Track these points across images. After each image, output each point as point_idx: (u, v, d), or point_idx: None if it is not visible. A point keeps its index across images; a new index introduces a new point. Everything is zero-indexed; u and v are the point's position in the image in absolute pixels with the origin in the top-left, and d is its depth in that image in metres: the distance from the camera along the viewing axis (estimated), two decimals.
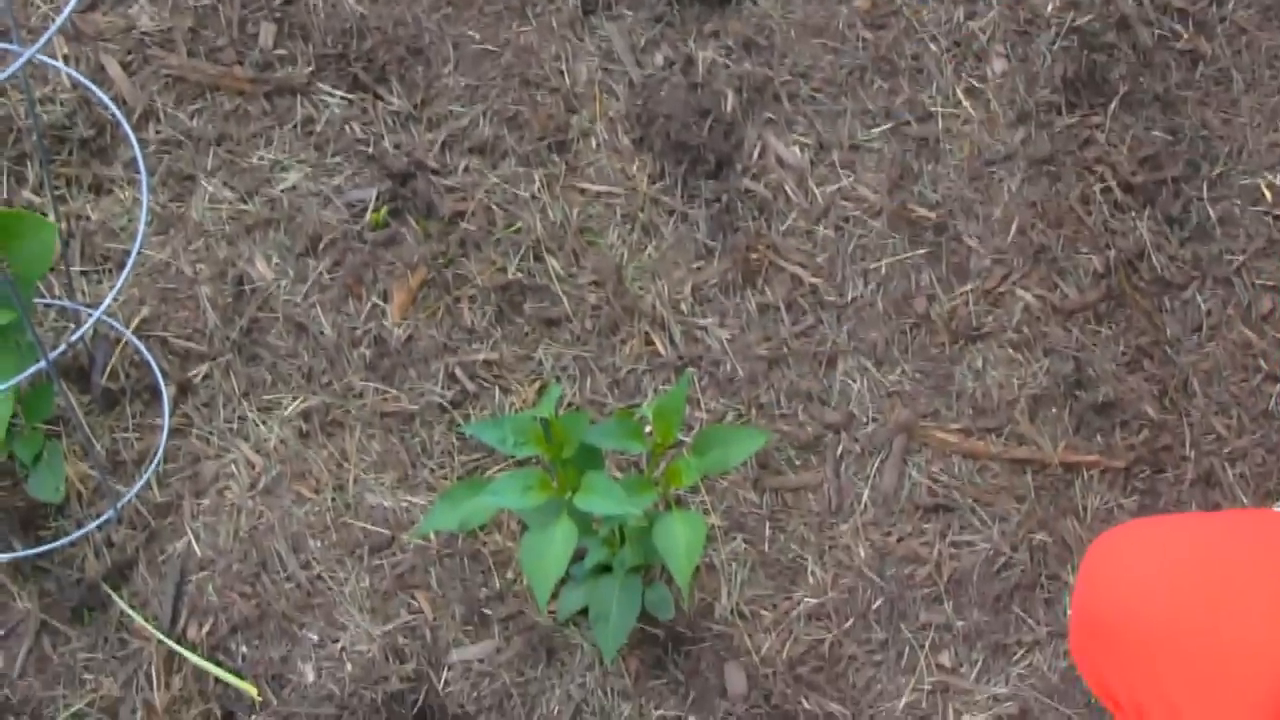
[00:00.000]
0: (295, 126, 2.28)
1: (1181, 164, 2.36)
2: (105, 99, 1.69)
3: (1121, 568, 1.39)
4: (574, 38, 2.40)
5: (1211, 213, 2.33)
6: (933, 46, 2.43)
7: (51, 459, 1.95)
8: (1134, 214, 2.31)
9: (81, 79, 1.77)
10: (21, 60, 1.42)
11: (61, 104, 2.24)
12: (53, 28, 1.40)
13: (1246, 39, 2.48)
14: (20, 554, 1.92)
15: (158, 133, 2.26)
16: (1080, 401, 2.15)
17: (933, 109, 2.37)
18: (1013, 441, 2.13)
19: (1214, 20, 2.50)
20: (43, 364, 1.59)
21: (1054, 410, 2.16)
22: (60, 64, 2.21)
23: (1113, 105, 2.40)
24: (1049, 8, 2.48)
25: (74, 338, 1.75)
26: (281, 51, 2.33)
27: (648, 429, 1.85)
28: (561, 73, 2.36)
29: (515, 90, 2.33)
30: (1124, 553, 1.41)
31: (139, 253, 2.07)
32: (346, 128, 2.29)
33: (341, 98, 2.31)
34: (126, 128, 1.70)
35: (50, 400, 1.92)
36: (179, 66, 2.29)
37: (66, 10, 1.42)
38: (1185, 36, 2.47)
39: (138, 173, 2.15)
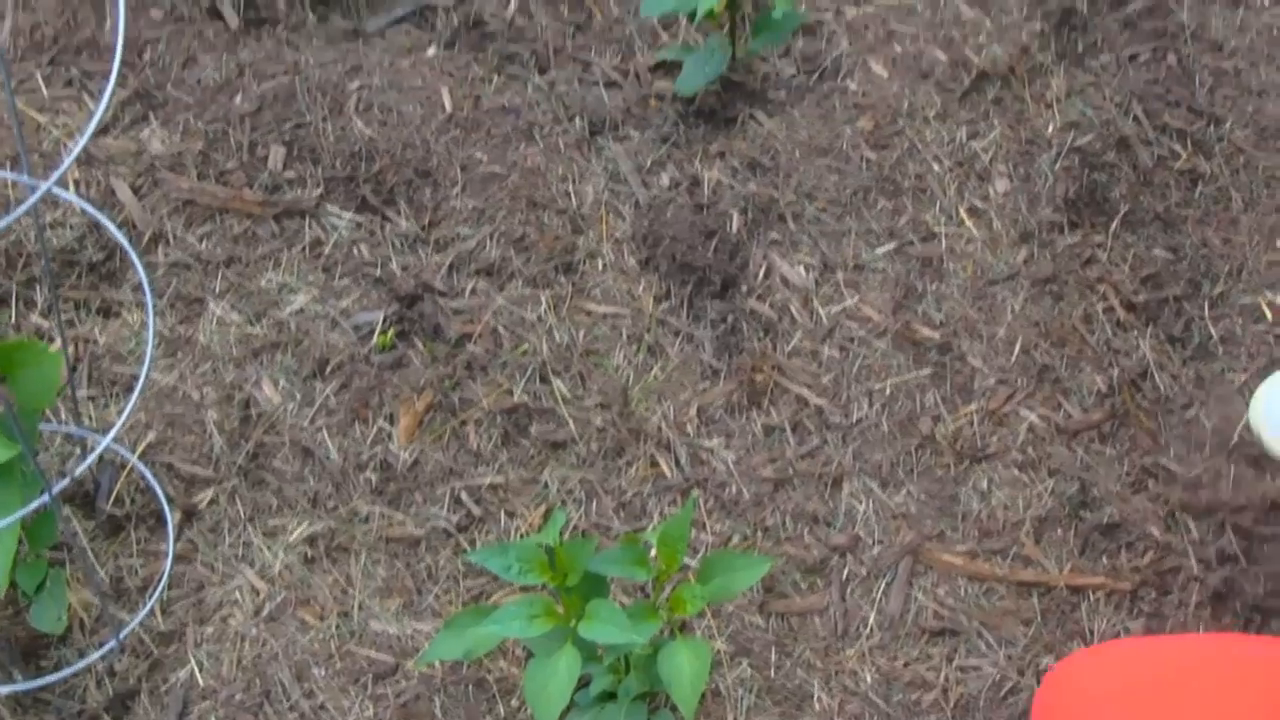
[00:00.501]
0: (304, 248, 2.31)
1: (1183, 283, 2.37)
2: (113, 227, 1.71)
3: (1078, 694, 1.37)
4: (581, 159, 2.43)
5: (1213, 331, 2.33)
6: (936, 166, 2.45)
7: (54, 588, 1.95)
8: (1136, 333, 2.32)
9: (90, 209, 1.79)
10: (35, 197, 1.43)
11: (71, 228, 2.26)
12: (64, 164, 1.42)
13: (1244, 159, 2.51)
14: (20, 686, 1.91)
15: (167, 255, 2.28)
16: (1085, 522, 2.15)
17: (936, 229, 2.39)
18: (1018, 564, 2.12)
19: (1212, 140, 2.52)
20: (45, 498, 1.60)
21: (1059, 531, 2.15)
22: (70, 195, 2.23)
23: (1114, 224, 2.41)
24: (1050, 128, 2.50)
25: (79, 470, 1.75)
26: (291, 174, 2.36)
27: (653, 553, 1.85)
28: (568, 194, 2.39)
29: (522, 212, 2.36)
30: (1080, 679, 1.39)
31: (146, 378, 2.08)
32: (355, 249, 2.31)
33: (350, 220, 2.33)
34: (133, 256, 1.72)
35: (54, 528, 1.92)
36: (189, 190, 2.32)
37: (77, 148, 1.44)
38: (1184, 156, 2.50)
39: (144, 300, 2.17)
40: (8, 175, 1.87)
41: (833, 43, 2.60)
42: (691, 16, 2.46)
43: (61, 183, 2.27)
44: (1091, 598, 2.11)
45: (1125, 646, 1.90)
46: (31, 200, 1.45)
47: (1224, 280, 2.39)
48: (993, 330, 2.30)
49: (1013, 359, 2.28)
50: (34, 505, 1.63)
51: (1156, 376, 2.28)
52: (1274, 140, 2.54)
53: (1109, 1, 2.72)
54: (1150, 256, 2.39)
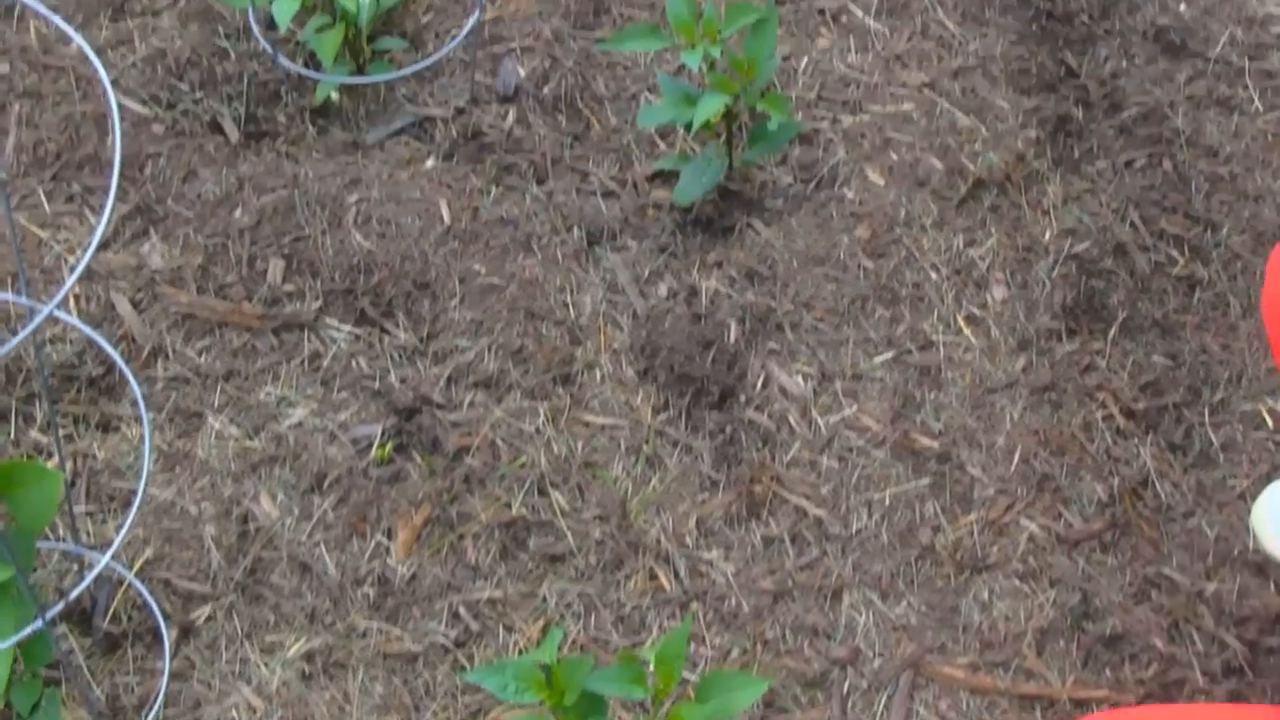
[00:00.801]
0: (302, 362, 2.32)
1: (1182, 390, 2.38)
2: (109, 347, 1.73)
3: None
4: (579, 270, 2.45)
5: (1214, 439, 2.34)
6: (933, 275, 2.47)
7: (49, 708, 1.95)
8: (1136, 440, 2.33)
9: (87, 330, 1.81)
10: (36, 321, 1.45)
11: (71, 342, 2.28)
12: (63, 290, 1.44)
13: (1242, 264, 2.53)
14: None
15: (166, 370, 2.29)
16: (1088, 634, 2.15)
17: (934, 337, 2.41)
18: (1021, 677, 2.12)
19: (1209, 246, 2.55)
20: (39, 624, 1.60)
21: (1062, 643, 2.15)
22: (70, 317, 2.25)
23: (1112, 331, 2.43)
24: (1047, 235, 2.53)
25: (74, 593, 1.76)
26: (290, 287, 2.38)
27: (650, 670, 1.85)
28: (566, 305, 2.41)
29: (520, 323, 2.38)
30: None
31: (143, 495, 2.09)
32: (353, 362, 2.33)
33: (349, 332, 2.35)
34: (129, 374, 1.74)
35: (49, 647, 1.92)
36: (188, 303, 2.34)
37: (76, 272, 1.46)
38: (1182, 262, 2.52)
39: (144, 414, 2.18)
40: (9, 298, 1.89)
41: (830, 151, 2.63)
42: (688, 127, 2.50)
43: (62, 300, 2.29)
44: (1095, 711, 2.10)
45: (1135, 713, 1.89)
46: (33, 325, 1.46)
47: (1224, 387, 2.40)
48: (992, 439, 2.31)
49: (1012, 468, 2.29)
50: (28, 631, 1.64)
51: (1158, 485, 2.28)
52: (1271, 245, 2.56)
53: (1104, 108, 2.75)
54: (1149, 363, 2.40)
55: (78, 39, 1.32)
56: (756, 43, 2.40)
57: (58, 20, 1.36)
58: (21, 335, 1.44)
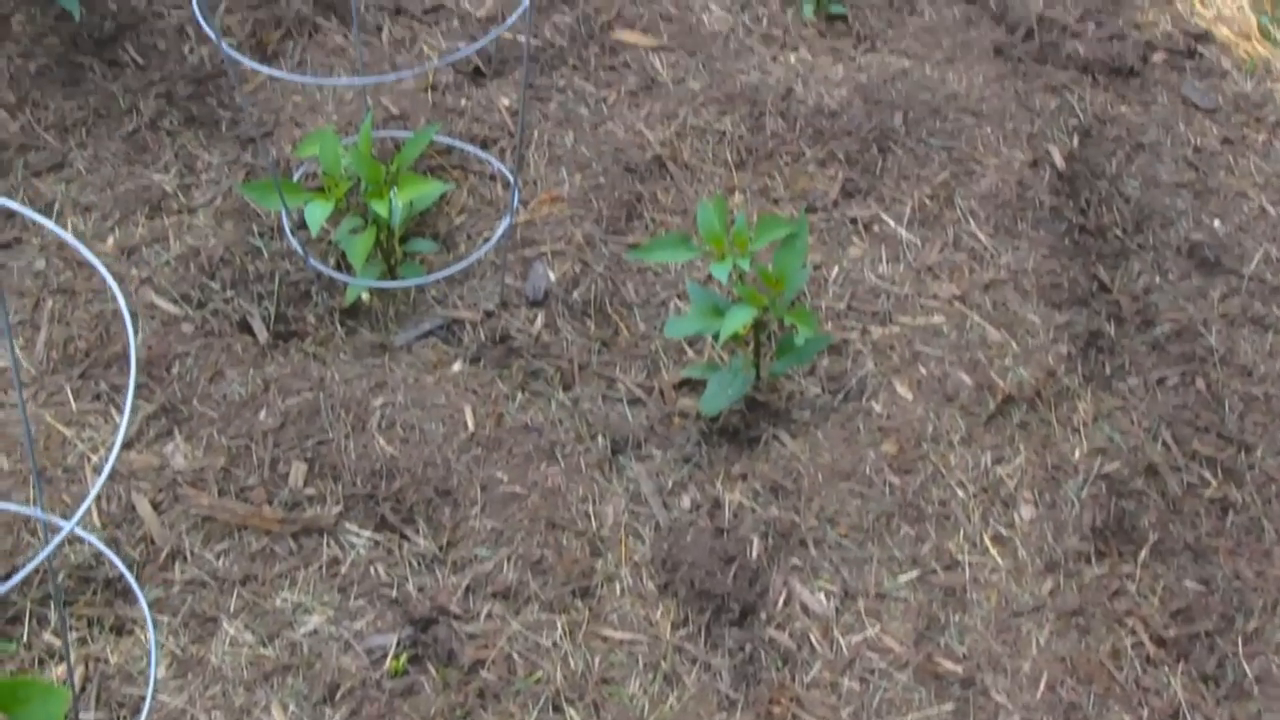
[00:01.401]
0: (320, 567, 2.35)
1: (1215, 617, 2.37)
2: (119, 563, 1.76)
3: None
4: (602, 479, 2.48)
5: (1248, 670, 2.33)
6: (960, 493, 2.49)
7: None
8: (1167, 670, 2.31)
9: (100, 545, 1.84)
10: (53, 544, 1.48)
11: (88, 544, 2.32)
12: (81, 508, 1.47)
13: (1276, 488, 2.54)
14: None
15: (183, 573, 2.32)
16: None
17: (960, 557, 2.42)
18: None
19: (1243, 468, 2.56)
20: None
21: None
22: (87, 534, 2.29)
23: (1143, 554, 2.43)
24: (1077, 454, 2.55)
25: None
26: (311, 491, 2.42)
27: None
28: (588, 515, 2.43)
29: (541, 533, 2.40)
30: None
31: (151, 704, 2.10)
32: (371, 569, 2.35)
33: (368, 538, 2.38)
34: (138, 593, 1.76)
35: None
36: (209, 506, 2.38)
37: (93, 492, 1.50)
38: (1214, 484, 2.53)
39: (158, 617, 2.21)
40: (28, 512, 1.93)
41: (858, 363, 2.66)
42: (716, 336, 2.54)
43: (80, 501, 2.33)
44: None
45: None
46: (49, 548, 1.50)
47: (1258, 615, 2.39)
48: (1017, 664, 2.31)
49: (1038, 695, 2.28)
50: None
51: (1189, 717, 2.27)
52: None
53: (1137, 324, 2.79)
54: (1181, 589, 2.40)
55: (87, 255, 1.37)
56: (786, 257, 2.46)
57: (69, 238, 1.41)
58: (39, 557, 1.47)
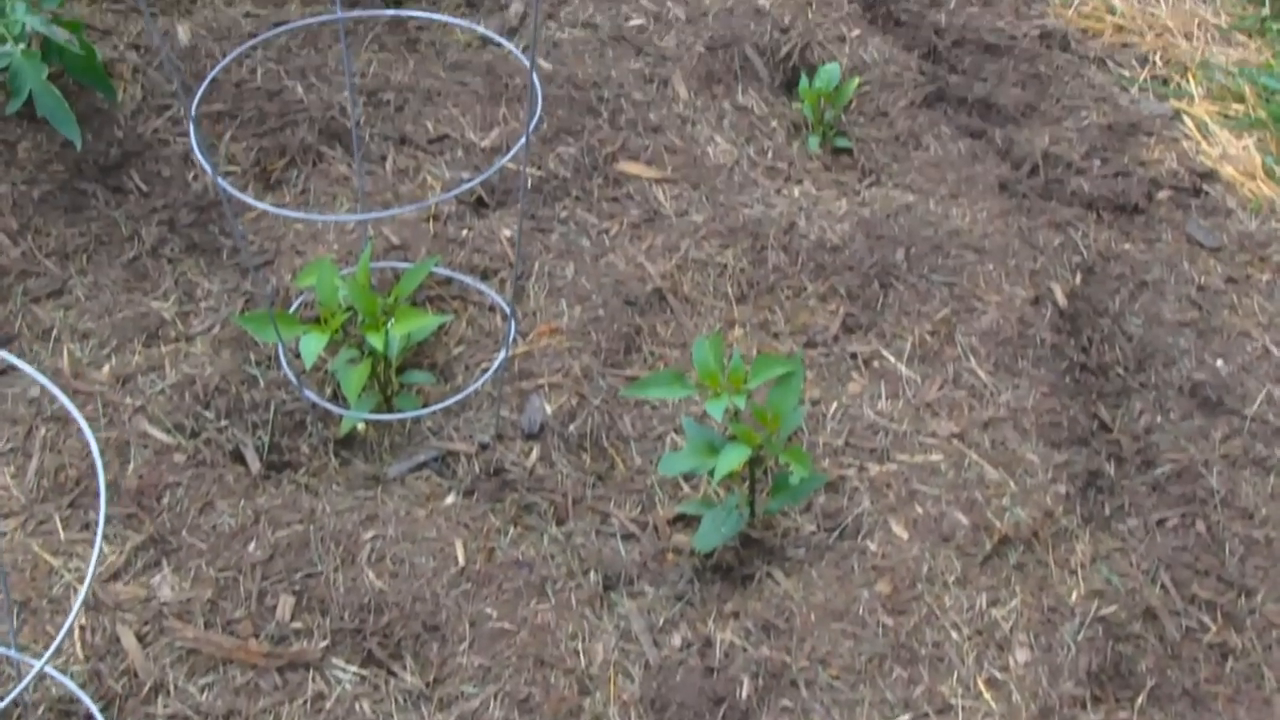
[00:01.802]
0: (305, 703, 2.35)
1: None
2: (93, 707, 1.77)
3: None
4: (592, 616, 2.48)
5: None
6: (954, 634, 2.49)
7: None
8: None
9: (74, 687, 1.85)
10: (25, 681, 1.50)
11: (72, 675, 2.33)
12: (53, 645, 1.49)
13: (1277, 634, 2.53)
14: None
15: (166, 707, 2.33)
16: None
17: (953, 700, 2.41)
18: None
19: (1243, 613, 2.55)
20: None
21: None
22: (62, 676, 2.30)
23: (1140, 700, 2.43)
24: (1073, 596, 2.55)
25: None
26: (298, 625, 2.43)
27: None
28: (577, 652, 2.44)
29: (529, 670, 2.40)
30: None
31: None
32: (356, 705, 2.35)
33: (354, 674, 2.38)
34: None
35: None
36: (194, 639, 2.39)
37: (64, 627, 1.51)
38: (1214, 629, 2.53)
39: None
40: (1, 651, 1.94)
41: (854, 500, 2.68)
42: (712, 472, 2.56)
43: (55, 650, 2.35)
44: None
45: None
46: (21, 685, 1.51)
47: None
48: None
49: None
50: None
51: None
52: None
53: (1137, 464, 2.80)
54: None
55: (61, 398, 1.40)
56: (781, 395, 2.48)
57: (44, 380, 1.44)
58: (9, 696, 1.49)
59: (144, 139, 3.13)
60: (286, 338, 2.57)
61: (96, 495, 2.55)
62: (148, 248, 2.97)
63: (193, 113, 2.08)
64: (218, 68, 2.47)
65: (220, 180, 2.19)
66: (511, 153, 2.30)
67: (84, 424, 1.46)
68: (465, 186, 2.24)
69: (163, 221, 3.01)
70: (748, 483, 2.59)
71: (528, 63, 2.06)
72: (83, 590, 1.71)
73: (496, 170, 3.04)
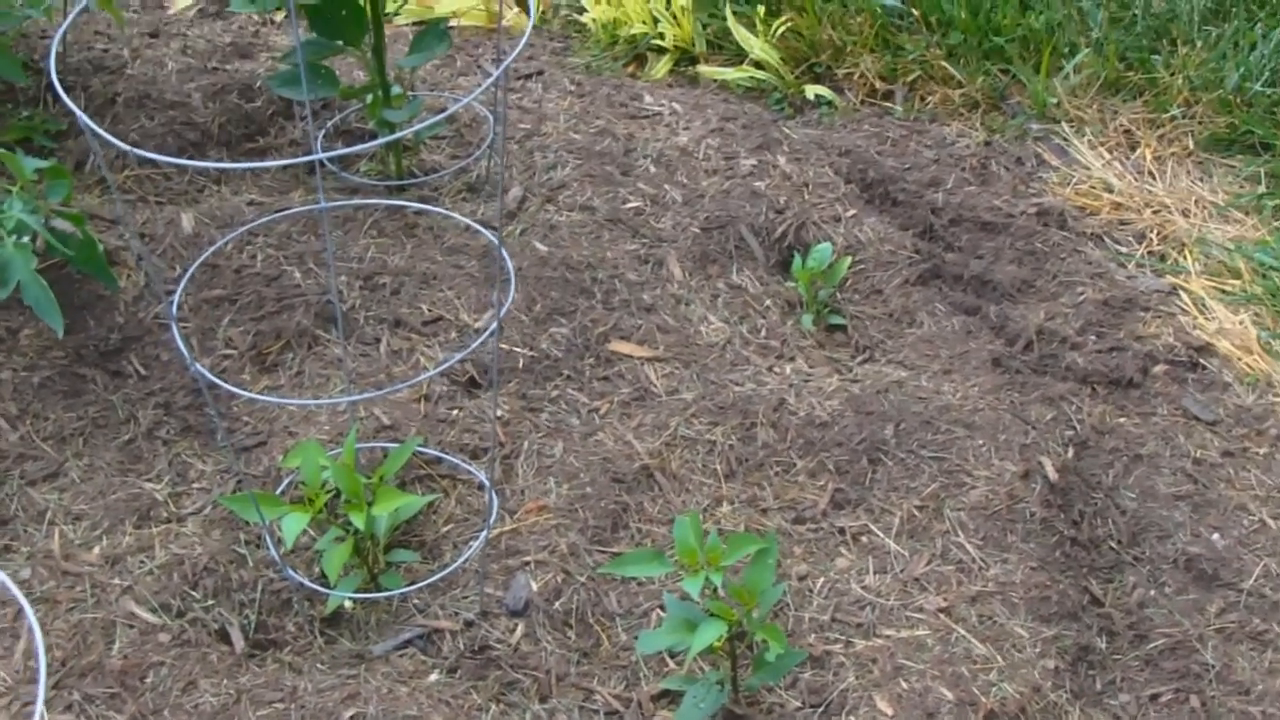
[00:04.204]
0: None
1: None
2: None
3: None
4: None
5: None
6: None
7: None
8: None
9: None
10: None
11: None
12: None
13: None
14: None
15: None
16: None
17: None
18: None
19: None
20: None
21: None
22: None
23: None
24: None
25: None
26: None
27: None
28: None
29: None
30: None
31: None
32: None
33: None
34: None
35: None
36: None
37: None
38: None
39: None
40: None
41: (839, 676, 2.70)
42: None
43: None
44: None
45: None
46: None
47: None
48: None
49: None
50: None
51: None
52: None
53: (1129, 638, 2.82)
54: None
55: (13, 589, 1.46)
56: (756, 572, 2.53)
57: (6, 581, 1.50)
58: None
59: (144, 324, 3.24)
60: (270, 518, 2.64)
61: (84, 675, 2.61)
62: (143, 430, 3.06)
63: (174, 310, 2.18)
64: (201, 258, 2.59)
65: (197, 366, 2.28)
66: (481, 339, 2.39)
67: (28, 609, 1.53)
68: (442, 368, 2.33)
69: (159, 404, 3.11)
70: (729, 658, 2.62)
71: (503, 250, 2.16)
72: None
73: (481, 348, 3.13)
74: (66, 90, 3.78)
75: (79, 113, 1.88)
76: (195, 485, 2.98)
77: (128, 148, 1.88)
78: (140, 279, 3.32)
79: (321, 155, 1.99)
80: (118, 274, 3.28)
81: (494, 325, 2.41)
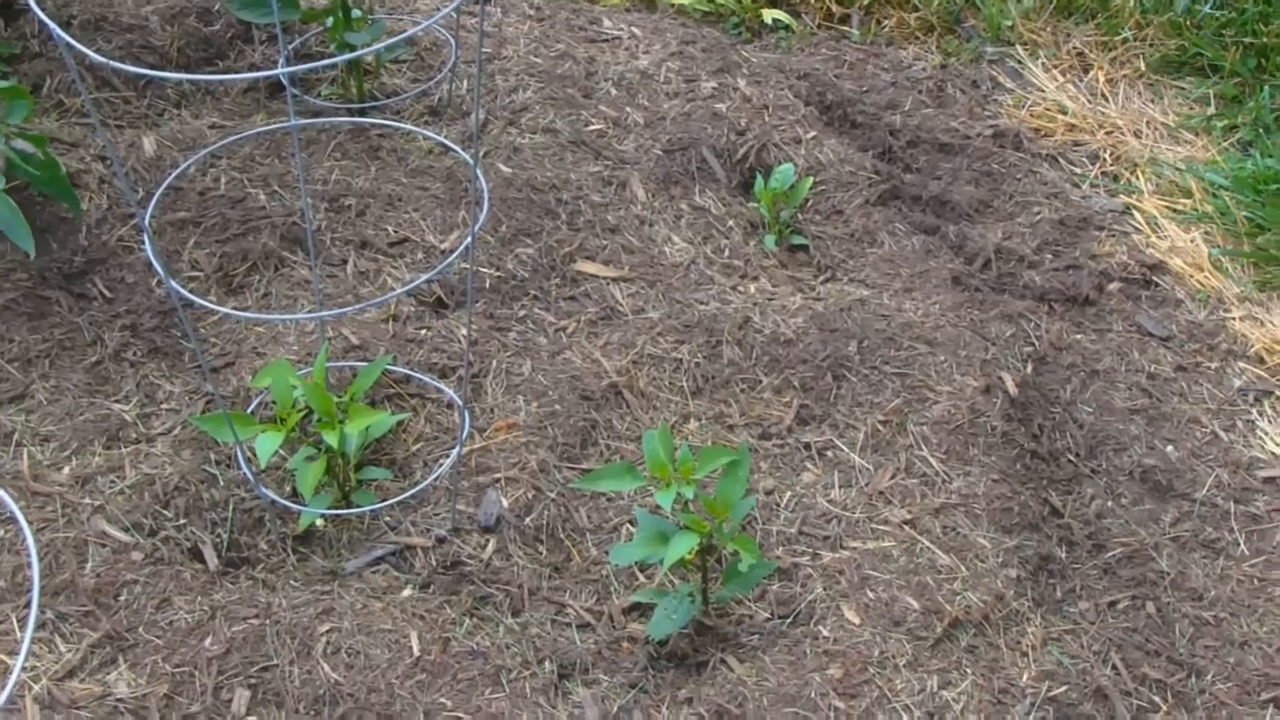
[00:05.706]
0: None
1: None
2: None
3: None
4: (547, 705, 2.51)
5: None
6: (905, 717, 2.51)
7: None
8: None
9: None
10: None
11: None
12: None
13: (1227, 713, 2.56)
14: None
15: None
16: None
17: None
18: None
19: (1194, 692, 2.58)
20: None
21: None
22: None
23: None
24: (1024, 677, 2.58)
25: None
26: (254, 718, 2.45)
27: None
28: None
29: None
30: None
31: None
32: None
33: None
34: None
35: None
36: None
37: None
38: (1164, 709, 2.56)
39: None
40: None
41: (807, 587, 2.71)
42: (663, 561, 2.59)
43: None
44: None
45: None
46: None
47: None
48: None
49: None
50: None
51: None
52: (1258, 694, 2.60)
53: (1088, 548, 2.84)
54: None
55: (5, 498, 1.44)
56: (728, 485, 2.53)
57: None
58: None
59: (108, 246, 3.20)
60: (243, 438, 2.62)
61: (56, 594, 2.59)
62: (110, 352, 3.02)
63: (146, 222, 2.15)
64: (171, 176, 2.55)
65: (172, 283, 2.25)
66: (455, 254, 2.37)
67: (23, 521, 1.51)
68: (413, 285, 2.30)
69: (125, 326, 3.08)
70: (700, 571, 2.63)
71: (476, 167, 2.13)
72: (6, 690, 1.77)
73: (449, 269, 3.11)
74: (19, 12, 3.71)
75: (53, 26, 1.84)
76: (164, 406, 2.95)
77: (105, 60, 1.84)
78: (104, 201, 3.27)
79: (288, 70, 1.95)
80: (80, 197, 3.23)
81: (467, 241, 2.39)
